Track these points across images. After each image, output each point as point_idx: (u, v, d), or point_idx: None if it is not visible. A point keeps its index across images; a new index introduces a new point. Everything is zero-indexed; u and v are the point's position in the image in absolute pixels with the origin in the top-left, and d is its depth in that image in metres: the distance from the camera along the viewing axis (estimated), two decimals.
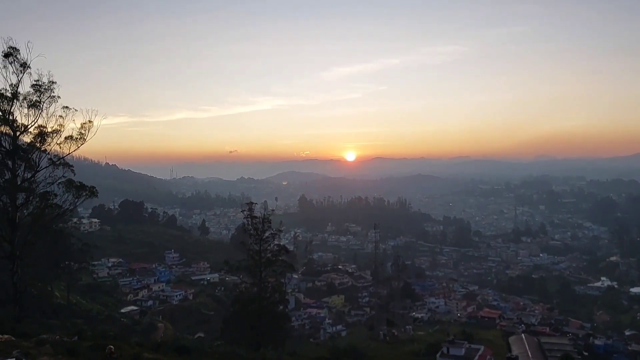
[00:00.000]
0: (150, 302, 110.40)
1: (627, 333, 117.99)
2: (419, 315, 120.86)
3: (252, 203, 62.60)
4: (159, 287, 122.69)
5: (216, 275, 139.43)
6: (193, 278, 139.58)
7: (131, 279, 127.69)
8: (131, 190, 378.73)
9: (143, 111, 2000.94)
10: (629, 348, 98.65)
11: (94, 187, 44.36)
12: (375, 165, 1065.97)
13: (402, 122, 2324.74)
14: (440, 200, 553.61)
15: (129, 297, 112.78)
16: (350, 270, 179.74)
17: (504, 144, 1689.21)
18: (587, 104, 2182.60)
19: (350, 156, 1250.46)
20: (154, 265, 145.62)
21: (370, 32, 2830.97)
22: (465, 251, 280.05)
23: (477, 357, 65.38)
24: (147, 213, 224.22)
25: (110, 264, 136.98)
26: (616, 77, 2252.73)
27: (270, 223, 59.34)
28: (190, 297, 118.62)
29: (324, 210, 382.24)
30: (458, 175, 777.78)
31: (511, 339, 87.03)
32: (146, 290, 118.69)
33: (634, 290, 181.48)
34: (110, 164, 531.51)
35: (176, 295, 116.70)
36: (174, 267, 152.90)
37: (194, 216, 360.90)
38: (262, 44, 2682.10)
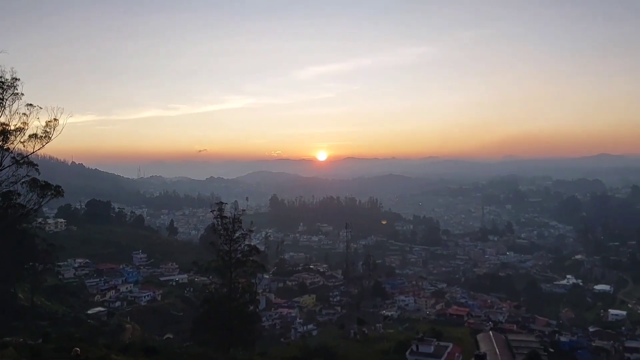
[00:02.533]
0: (117, 303, 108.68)
1: (591, 329, 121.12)
2: (389, 314, 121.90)
3: (222, 203, 62.14)
4: (127, 288, 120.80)
5: (185, 276, 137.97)
6: (161, 279, 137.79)
7: (98, 279, 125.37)
8: (98, 189, 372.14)
9: (111, 109, 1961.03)
10: (593, 344, 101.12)
11: (59, 187, 43.49)
12: (347, 165, 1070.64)
13: (374, 122, 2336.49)
14: (410, 199, 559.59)
15: (96, 298, 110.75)
16: (321, 270, 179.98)
17: (472, 145, 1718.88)
18: (553, 105, 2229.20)
19: (322, 156, 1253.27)
20: (121, 266, 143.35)
21: (343, 32, 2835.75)
22: (434, 250, 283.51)
23: (445, 355, 66.20)
24: (114, 213, 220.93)
25: (76, 265, 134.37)
26: (581, 80, 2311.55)
27: (241, 223, 58.99)
28: (159, 298, 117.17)
29: (296, 210, 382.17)
30: (428, 175, 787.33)
31: (479, 337, 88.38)
32: (114, 291, 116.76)
33: (598, 287, 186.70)
34: (77, 163, 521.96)
35: (144, 296, 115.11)
36: (141, 267, 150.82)
37: (162, 216, 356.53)
38: (234, 42, 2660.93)
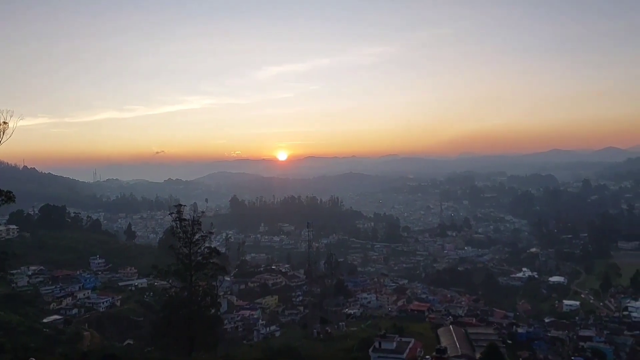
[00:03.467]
0: (75, 311, 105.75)
1: (546, 320, 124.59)
2: (352, 312, 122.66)
3: (180, 205, 61.38)
4: (84, 295, 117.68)
5: (144, 280, 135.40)
6: (120, 284, 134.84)
7: (54, 287, 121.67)
8: (52, 194, 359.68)
9: (64, 111, 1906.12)
10: (549, 334, 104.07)
11: (10, 192, 41.93)
12: (308, 165, 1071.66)
13: (334, 122, 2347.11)
14: (371, 197, 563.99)
15: (51, 306, 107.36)
16: (283, 270, 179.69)
17: (430, 142, 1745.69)
18: (507, 102, 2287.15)
19: (282, 156, 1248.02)
20: (78, 272, 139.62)
21: (301, 32, 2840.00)
22: (395, 246, 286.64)
23: (407, 350, 67.12)
24: (69, 218, 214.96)
25: (30, 272, 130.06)
26: (533, 77, 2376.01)
27: (200, 225, 58.35)
28: (118, 304, 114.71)
29: (257, 211, 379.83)
30: (387, 173, 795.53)
31: (440, 331, 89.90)
32: (70, 298, 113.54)
33: (553, 279, 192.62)
34: (29, 167, 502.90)
35: (102, 302, 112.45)
36: (99, 273, 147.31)
37: (119, 220, 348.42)
38: (192, 42, 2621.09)
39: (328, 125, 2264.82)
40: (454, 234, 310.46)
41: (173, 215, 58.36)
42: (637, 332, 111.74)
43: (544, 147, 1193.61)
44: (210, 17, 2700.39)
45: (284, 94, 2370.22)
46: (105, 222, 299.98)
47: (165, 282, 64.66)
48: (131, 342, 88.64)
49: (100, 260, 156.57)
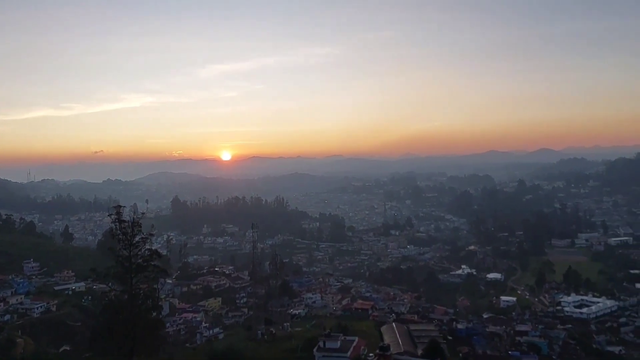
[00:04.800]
0: (7, 317, 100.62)
1: (485, 316, 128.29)
2: (297, 312, 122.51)
3: (120, 206, 59.27)
4: (17, 300, 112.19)
5: (82, 284, 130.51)
6: (56, 288, 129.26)
7: None
8: None
9: None
10: (487, 330, 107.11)
11: None
12: (252, 165, 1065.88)
13: (279, 122, 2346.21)
14: (316, 197, 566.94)
15: None
16: (227, 272, 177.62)
17: (374, 143, 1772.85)
18: (447, 105, 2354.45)
19: (226, 156, 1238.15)
20: (10, 277, 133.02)
21: (246, 31, 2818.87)
22: (340, 246, 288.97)
23: (351, 349, 67.72)
24: (1, 220, 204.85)
25: None
26: (472, 81, 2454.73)
27: (141, 227, 56.65)
28: (54, 309, 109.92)
29: (199, 212, 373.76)
30: (332, 173, 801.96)
31: (383, 329, 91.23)
32: (2, 304, 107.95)
33: (490, 276, 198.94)
34: None
35: (37, 308, 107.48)
36: (33, 277, 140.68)
37: (55, 222, 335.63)
38: (131, 38, 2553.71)
39: (273, 125, 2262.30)
40: (397, 233, 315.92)
41: (112, 216, 56.41)
42: (570, 325, 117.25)
43: (481, 148, 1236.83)
44: (153, 14, 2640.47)
45: (228, 93, 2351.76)
46: (40, 224, 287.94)
47: (104, 286, 62.79)
48: (68, 348, 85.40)
49: (34, 264, 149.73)
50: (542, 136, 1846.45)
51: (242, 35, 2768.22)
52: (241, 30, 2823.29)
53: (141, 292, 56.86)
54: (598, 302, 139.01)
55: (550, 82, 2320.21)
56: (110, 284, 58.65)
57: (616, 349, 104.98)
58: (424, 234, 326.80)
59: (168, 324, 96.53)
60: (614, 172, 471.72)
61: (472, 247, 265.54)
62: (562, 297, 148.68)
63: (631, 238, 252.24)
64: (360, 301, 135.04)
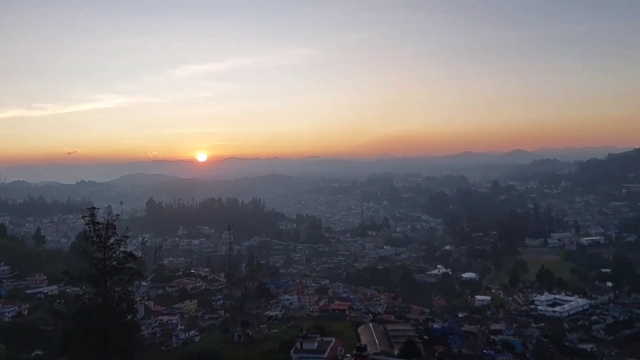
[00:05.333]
0: None
1: (460, 315, 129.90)
2: (274, 313, 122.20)
3: (94, 208, 58.39)
4: None
5: (55, 287, 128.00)
6: (28, 292, 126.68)
7: None
8: None
9: None
10: (462, 329, 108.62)
11: None
12: (228, 166, 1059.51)
13: (255, 122, 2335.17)
14: (293, 198, 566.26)
15: None
16: (203, 274, 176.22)
17: (351, 144, 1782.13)
18: (423, 107, 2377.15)
19: (201, 157, 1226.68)
20: None
21: (221, 31, 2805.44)
22: (317, 247, 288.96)
23: (328, 350, 67.91)
24: None
25: None
26: (448, 83, 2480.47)
27: (115, 229, 55.93)
28: (25, 313, 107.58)
29: (175, 213, 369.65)
30: (310, 174, 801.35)
31: (360, 329, 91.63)
32: None
33: (465, 275, 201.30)
34: None
35: (8, 312, 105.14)
36: (4, 281, 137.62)
37: (27, 224, 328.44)
38: (105, 38, 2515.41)
39: (249, 126, 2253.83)
40: (374, 234, 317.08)
41: (86, 218, 55.58)
42: (543, 324, 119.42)
43: (457, 149, 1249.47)
44: (127, 13, 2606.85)
45: (204, 94, 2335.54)
46: (11, 226, 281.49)
47: (77, 289, 61.65)
48: (40, 352, 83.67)
49: (5, 267, 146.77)
50: (515, 137, 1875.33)
51: (218, 35, 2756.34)
52: (217, 30, 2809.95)
53: (116, 295, 56.14)
54: (570, 301, 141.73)
55: (524, 84, 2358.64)
56: (83, 287, 57.72)
57: (588, 347, 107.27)
58: (400, 235, 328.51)
59: (143, 327, 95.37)
60: (585, 172, 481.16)
61: (447, 247, 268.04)
62: (535, 296, 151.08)
63: (602, 237, 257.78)
64: (337, 302, 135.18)
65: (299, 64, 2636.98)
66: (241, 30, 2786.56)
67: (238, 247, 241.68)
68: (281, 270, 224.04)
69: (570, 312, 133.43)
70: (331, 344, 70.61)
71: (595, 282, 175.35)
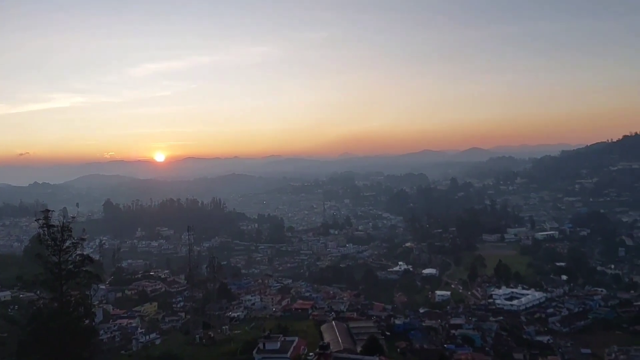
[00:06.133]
0: None
1: (421, 311, 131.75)
2: (236, 314, 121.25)
3: (48, 210, 56.74)
4: None
5: (8, 292, 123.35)
6: None
7: None
8: None
9: None
10: (423, 324, 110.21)
11: None
12: (187, 166, 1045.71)
13: (214, 122, 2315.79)
14: (254, 198, 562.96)
15: None
16: (163, 276, 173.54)
17: (312, 143, 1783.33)
18: (383, 106, 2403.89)
19: (159, 157, 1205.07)
20: None
21: (179, 29, 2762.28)
22: (279, 247, 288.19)
23: (291, 349, 67.70)
24: None
25: None
26: (406, 82, 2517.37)
27: (71, 231, 54.48)
28: None
29: (133, 215, 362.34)
30: (271, 174, 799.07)
31: (323, 327, 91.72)
32: None
33: (426, 271, 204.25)
34: None
35: None
36: None
37: None
38: (59, 35, 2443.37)
39: (208, 126, 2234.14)
40: (336, 232, 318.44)
41: (40, 221, 54.02)
42: (501, 317, 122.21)
43: (416, 148, 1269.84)
44: (84, 10, 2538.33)
45: (162, 93, 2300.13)
46: None
47: (32, 294, 59.79)
48: None
49: None
50: (472, 136, 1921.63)
51: (176, 34, 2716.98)
52: (175, 29, 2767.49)
53: (72, 299, 54.76)
54: (527, 294, 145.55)
55: (480, 84, 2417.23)
56: (38, 292, 56.21)
57: (544, 339, 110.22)
58: (362, 233, 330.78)
59: (102, 331, 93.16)
60: (540, 169, 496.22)
61: (408, 244, 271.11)
62: (493, 290, 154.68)
63: (557, 232, 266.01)
64: (300, 301, 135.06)
65: (259, 63, 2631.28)
66: (199, 29, 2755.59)
67: (198, 249, 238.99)
68: (243, 271, 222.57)
69: (527, 306, 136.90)
70: (294, 344, 70.43)
71: (551, 276, 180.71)
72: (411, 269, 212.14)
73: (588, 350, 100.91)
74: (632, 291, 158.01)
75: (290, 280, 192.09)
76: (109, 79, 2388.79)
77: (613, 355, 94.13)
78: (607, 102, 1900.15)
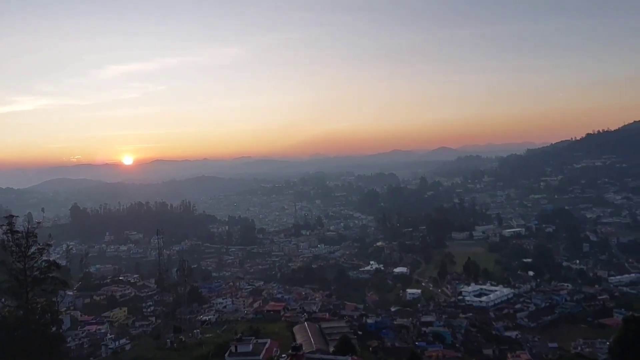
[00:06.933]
0: None
1: (392, 309, 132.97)
2: (207, 318, 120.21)
3: (12, 216, 55.69)
4: None
5: None
6: None
7: None
8: None
9: None
10: (395, 322, 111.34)
11: None
12: (156, 168, 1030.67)
13: (183, 123, 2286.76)
14: (225, 200, 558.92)
15: None
16: (132, 281, 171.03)
17: (283, 144, 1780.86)
18: (353, 107, 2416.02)
19: (127, 159, 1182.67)
20: None
21: (146, 31, 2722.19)
22: (250, 249, 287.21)
23: (264, 351, 67.58)
24: None
25: None
26: (376, 82, 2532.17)
27: (36, 237, 53.58)
28: None
29: (101, 219, 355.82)
30: (241, 175, 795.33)
31: (295, 329, 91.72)
32: None
33: (397, 270, 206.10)
34: None
35: None
36: None
37: None
38: (23, 37, 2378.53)
39: (177, 128, 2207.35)
40: (308, 233, 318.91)
41: (3, 227, 52.94)
42: (471, 314, 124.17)
43: (386, 148, 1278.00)
44: (48, 11, 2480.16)
45: (129, 95, 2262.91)
46: None
47: None
48: None
49: None
50: (440, 135, 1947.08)
51: (143, 35, 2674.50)
52: (141, 30, 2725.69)
53: (38, 306, 53.87)
54: (495, 291, 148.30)
55: (448, 83, 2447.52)
56: (2, 299, 55.01)
57: (513, 334, 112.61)
58: (334, 233, 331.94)
59: (70, 338, 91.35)
60: (506, 167, 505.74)
61: (379, 243, 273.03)
62: (463, 287, 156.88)
63: (523, 229, 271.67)
64: (272, 303, 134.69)
65: (227, 64, 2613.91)
66: (166, 30, 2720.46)
67: (168, 252, 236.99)
68: (214, 274, 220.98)
69: (496, 302, 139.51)
70: (266, 345, 70.30)
71: (518, 272, 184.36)
72: (382, 268, 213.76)
73: (555, 344, 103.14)
74: (596, 285, 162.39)
75: (262, 282, 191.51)
76: (75, 81, 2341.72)
77: (579, 348, 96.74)
78: (570, 102, 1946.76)
